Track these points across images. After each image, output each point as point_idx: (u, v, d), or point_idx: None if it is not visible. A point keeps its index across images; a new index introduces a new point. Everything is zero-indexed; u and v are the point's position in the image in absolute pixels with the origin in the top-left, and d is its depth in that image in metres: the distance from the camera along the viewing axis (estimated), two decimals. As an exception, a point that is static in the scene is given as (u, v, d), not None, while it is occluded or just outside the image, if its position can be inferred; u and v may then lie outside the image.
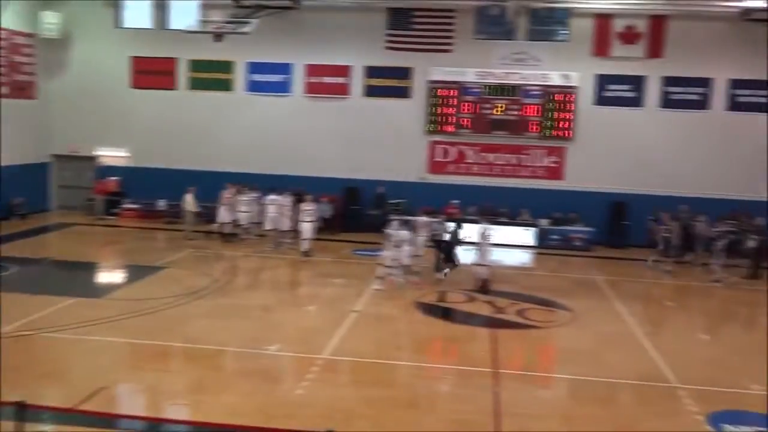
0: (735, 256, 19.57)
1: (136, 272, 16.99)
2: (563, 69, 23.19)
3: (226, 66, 24.59)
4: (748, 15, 21.26)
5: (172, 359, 11.61)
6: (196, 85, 24.81)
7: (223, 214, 20.99)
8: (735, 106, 22.80)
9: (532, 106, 23.40)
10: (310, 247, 19.22)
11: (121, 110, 24.70)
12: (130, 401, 10.03)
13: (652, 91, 23.08)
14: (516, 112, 23.48)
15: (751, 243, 19.35)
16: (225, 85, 24.70)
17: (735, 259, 19.39)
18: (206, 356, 11.43)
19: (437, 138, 23.98)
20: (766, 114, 22.50)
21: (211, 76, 24.75)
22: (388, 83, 24.08)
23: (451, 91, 23.62)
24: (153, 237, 21.94)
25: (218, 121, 24.56)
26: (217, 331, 12.71)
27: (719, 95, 22.86)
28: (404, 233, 16.62)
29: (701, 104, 22.93)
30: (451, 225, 18.00)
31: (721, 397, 10.51)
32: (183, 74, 24.84)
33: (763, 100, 22.60)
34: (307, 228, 19.15)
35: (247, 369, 11.04)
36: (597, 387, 10.92)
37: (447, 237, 17.69)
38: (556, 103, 23.32)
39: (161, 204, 24.29)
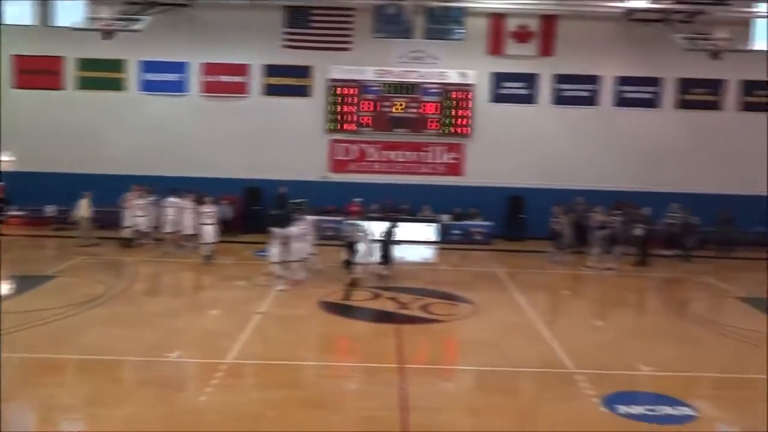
0: (623, 244, 20.72)
1: (24, 283, 16.01)
2: (460, 67, 23.66)
3: (117, 65, 23.65)
4: (631, 15, 22.37)
5: (66, 372, 11.07)
6: (86, 84, 23.74)
7: (129, 218, 20.28)
8: (622, 102, 23.96)
9: (431, 104, 23.76)
10: (211, 252, 18.76)
11: (3, 112, 23.26)
12: (20, 420, 9.44)
13: (545, 89, 23.92)
14: (415, 110, 23.77)
15: (637, 231, 20.42)
16: (116, 85, 23.76)
17: (624, 248, 20.55)
18: (103, 367, 10.95)
19: (338, 136, 23.97)
20: (650, 109, 23.78)
21: (102, 75, 23.75)
22: (287, 82, 23.86)
23: (351, 89, 23.65)
24: (42, 245, 20.85)
25: (111, 122, 23.60)
26: (115, 340, 12.20)
27: (607, 92, 23.95)
28: (292, 230, 16.63)
29: (591, 100, 23.95)
30: (387, 224, 18.09)
31: (615, 380, 11.00)
32: (70, 73, 23.73)
33: (648, 96, 23.88)
34: (208, 231, 18.69)
35: (148, 378, 10.67)
36: (500, 377, 11.20)
37: (377, 236, 17.69)
38: (454, 100, 23.76)
39: (50, 210, 23.11)
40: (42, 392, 9.93)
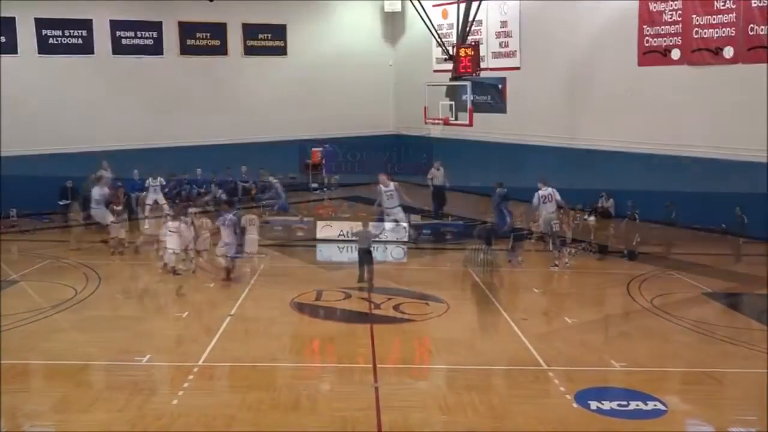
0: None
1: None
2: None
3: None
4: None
5: (33, 378, 10.90)
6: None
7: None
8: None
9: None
10: (175, 263, 17.06)
11: None
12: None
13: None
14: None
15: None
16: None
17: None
18: (71, 372, 10.76)
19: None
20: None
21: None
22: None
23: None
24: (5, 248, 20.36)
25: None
26: (83, 344, 12.03)
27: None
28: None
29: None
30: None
31: (586, 376, 11.12)
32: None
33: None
34: (171, 240, 16.94)
35: (118, 382, 10.50)
36: (472, 375, 11.23)
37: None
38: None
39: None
40: (6, 399, 9.69)
